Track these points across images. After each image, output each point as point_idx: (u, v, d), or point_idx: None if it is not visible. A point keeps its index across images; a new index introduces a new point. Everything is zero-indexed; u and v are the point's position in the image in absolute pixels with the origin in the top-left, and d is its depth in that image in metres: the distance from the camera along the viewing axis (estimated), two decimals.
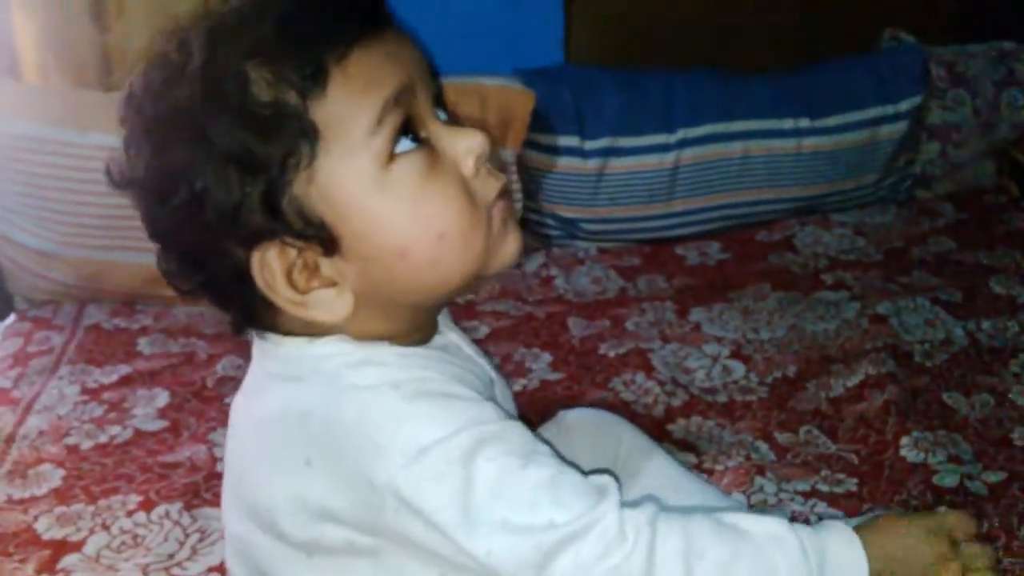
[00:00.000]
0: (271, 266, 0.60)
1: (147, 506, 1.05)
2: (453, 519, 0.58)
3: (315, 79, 0.57)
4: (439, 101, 0.64)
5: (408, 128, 0.60)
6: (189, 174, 0.58)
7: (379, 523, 0.60)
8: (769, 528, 0.61)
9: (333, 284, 0.62)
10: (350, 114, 0.58)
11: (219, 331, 1.43)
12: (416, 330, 0.67)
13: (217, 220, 0.58)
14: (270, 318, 0.64)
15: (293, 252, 0.60)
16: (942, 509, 0.68)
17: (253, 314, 0.65)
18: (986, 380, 1.24)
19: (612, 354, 1.35)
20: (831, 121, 1.69)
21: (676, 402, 1.23)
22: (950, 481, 1.04)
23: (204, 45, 0.59)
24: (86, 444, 1.16)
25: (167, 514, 1.04)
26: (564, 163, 1.62)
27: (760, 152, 1.66)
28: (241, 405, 0.70)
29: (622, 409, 1.21)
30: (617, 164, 1.64)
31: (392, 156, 0.59)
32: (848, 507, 1.02)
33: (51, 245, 1.45)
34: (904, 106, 1.73)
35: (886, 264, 1.57)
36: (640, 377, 1.29)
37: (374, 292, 0.62)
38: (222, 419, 1.20)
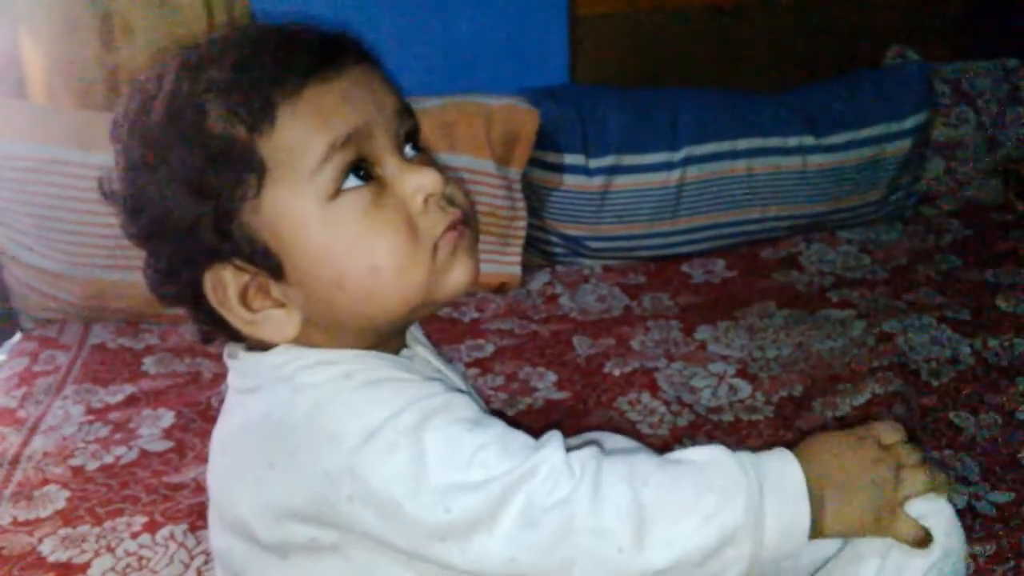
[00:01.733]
0: (225, 285, 0.64)
1: (152, 528, 1.05)
2: (407, 489, 0.60)
3: (263, 115, 0.60)
4: (411, 137, 0.67)
5: (361, 166, 0.63)
6: (152, 194, 0.62)
7: (336, 517, 0.62)
8: (708, 454, 0.63)
9: (282, 305, 0.65)
10: (297, 150, 0.61)
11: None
12: (376, 347, 0.69)
13: (175, 238, 0.63)
14: (235, 332, 0.67)
15: (246, 275, 0.64)
16: (875, 423, 0.68)
17: (220, 329, 0.68)
18: (993, 399, 1.23)
19: (617, 373, 1.35)
20: (836, 139, 1.69)
21: (682, 422, 1.23)
22: (958, 502, 1.04)
23: (173, 78, 0.63)
24: (91, 465, 1.16)
25: (172, 536, 1.03)
26: (569, 181, 1.63)
27: (765, 170, 1.66)
28: (217, 427, 0.72)
29: (628, 429, 1.20)
30: (622, 182, 1.64)
31: (337, 192, 0.62)
32: None
33: (57, 265, 1.46)
34: (909, 123, 1.73)
35: (892, 282, 1.57)
36: (646, 396, 1.28)
37: (319, 316, 0.65)
38: None
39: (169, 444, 1.20)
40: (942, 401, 1.23)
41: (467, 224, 0.67)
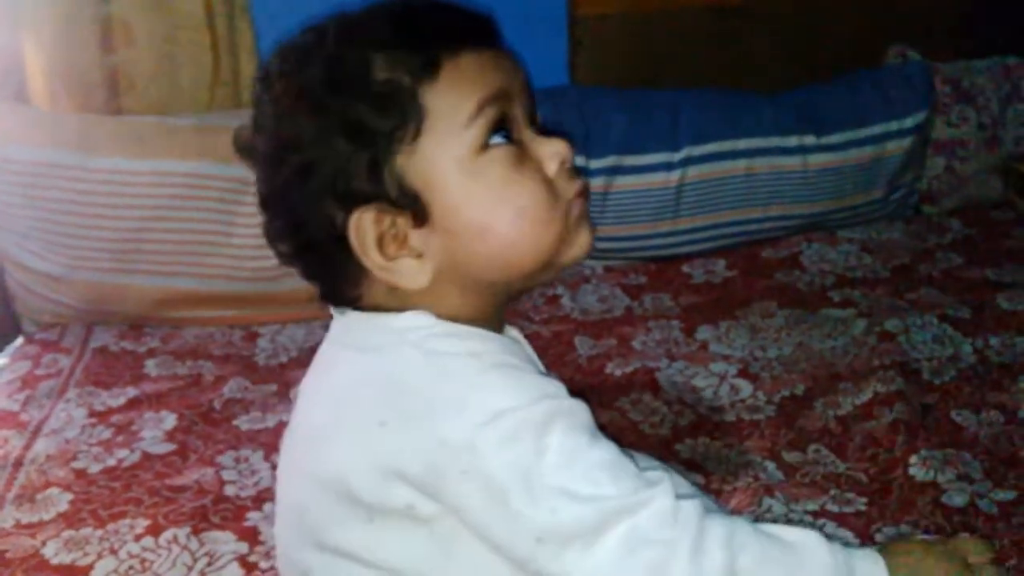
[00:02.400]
0: (365, 229, 0.66)
1: (155, 530, 1.05)
2: (519, 481, 0.61)
3: (428, 68, 0.65)
4: (533, 119, 0.71)
5: (502, 126, 0.68)
6: (305, 141, 0.66)
7: (442, 488, 0.63)
8: (804, 537, 0.65)
9: (418, 256, 0.68)
10: (454, 103, 0.66)
11: (226, 353, 1.44)
12: (487, 320, 0.71)
13: (324, 183, 0.66)
14: (354, 289, 0.70)
15: (387, 220, 0.67)
16: (963, 535, 0.73)
17: (340, 284, 0.70)
18: (995, 397, 1.23)
19: (619, 373, 1.35)
20: (836, 138, 1.69)
21: (683, 422, 1.23)
22: (959, 500, 1.04)
23: (336, 34, 0.67)
24: (94, 468, 1.17)
25: (175, 538, 1.04)
26: None
27: (765, 169, 1.66)
28: (312, 382, 0.74)
29: (630, 429, 1.21)
30: (622, 182, 1.64)
31: (485, 146, 0.67)
32: (857, 527, 1.01)
33: (59, 268, 1.46)
34: (909, 122, 1.73)
35: (893, 281, 1.57)
36: (647, 396, 1.28)
37: (453, 267, 0.68)
38: (230, 442, 1.21)
39: (171, 447, 1.21)
40: (944, 400, 1.23)
41: (587, 197, 0.72)
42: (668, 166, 1.64)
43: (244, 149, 0.71)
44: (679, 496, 0.63)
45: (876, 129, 1.71)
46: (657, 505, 0.62)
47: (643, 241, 1.67)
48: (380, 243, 0.67)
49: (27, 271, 1.48)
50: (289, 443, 0.75)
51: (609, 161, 1.63)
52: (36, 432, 1.24)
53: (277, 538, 0.77)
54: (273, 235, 0.72)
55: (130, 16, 1.56)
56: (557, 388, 0.65)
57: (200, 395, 1.32)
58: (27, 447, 1.21)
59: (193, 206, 1.45)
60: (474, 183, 0.67)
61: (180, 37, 1.58)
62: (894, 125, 1.72)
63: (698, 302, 1.55)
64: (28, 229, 1.45)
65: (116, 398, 1.32)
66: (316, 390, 0.73)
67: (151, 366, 1.40)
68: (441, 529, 0.65)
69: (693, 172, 1.64)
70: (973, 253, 1.64)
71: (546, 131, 0.71)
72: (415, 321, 0.68)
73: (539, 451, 0.61)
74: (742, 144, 1.65)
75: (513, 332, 0.76)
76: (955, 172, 1.78)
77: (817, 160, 1.68)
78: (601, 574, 0.61)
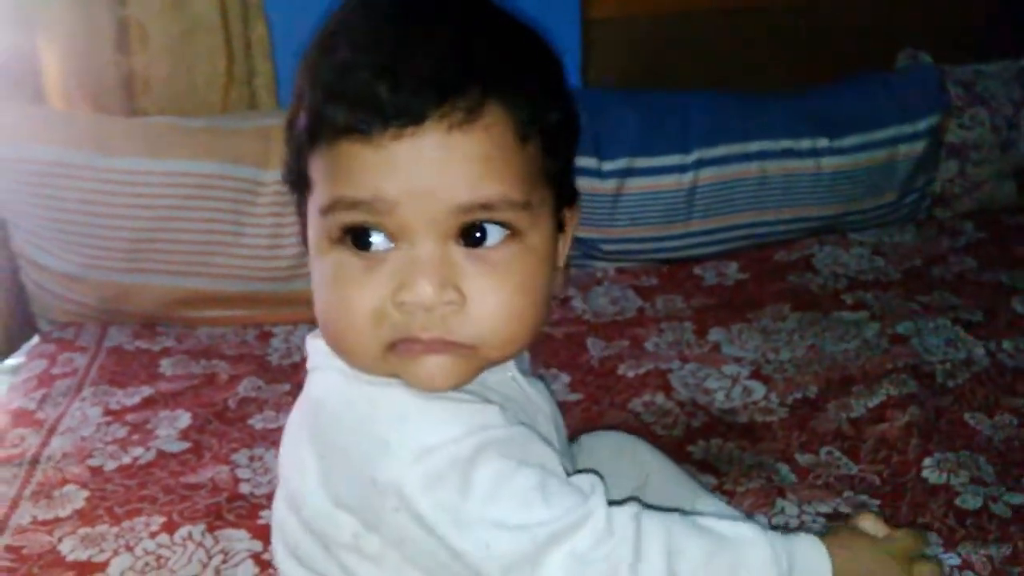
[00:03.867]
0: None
1: (170, 527, 1.06)
2: (450, 520, 0.60)
3: (310, 140, 0.62)
4: (472, 228, 0.61)
5: (364, 233, 0.61)
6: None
7: (380, 521, 0.62)
8: (743, 531, 0.65)
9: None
10: (318, 186, 0.63)
11: (241, 352, 1.44)
12: None
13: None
14: None
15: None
16: (901, 531, 0.72)
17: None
18: (1008, 400, 1.23)
19: (631, 375, 1.35)
20: (849, 141, 1.69)
21: (696, 423, 1.23)
22: (973, 503, 1.04)
23: (321, 47, 0.64)
24: (109, 465, 1.17)
25: (190, 536, 1.04)
26: (582, 183, 1.60)
27: (778, 172, 1.66)
28: (295, 406, 0.73)
29: (641, 430, 1.21)
30: (635, 184, 1.64)
31: (339, 241, 0.62)
32: None
33: (75, 268, 1.47)
34: (922, 125, 1.73)
35: (906, 283, 1.57)
36: (660, 398, 1.29)
37: None
38: (244, 440, 1.22)
39: (186, 445, 1.21)
40: (957, 403, 1.23)
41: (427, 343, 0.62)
42: (680, 168, 1.64)
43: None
44: (611, 501, 0.63)
45: (889, 132, 1.71)
46: (592, 522, 0.61)
47: (655, 243, 1.67)
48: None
49: (43, 270, 1.49)
50: (279, 457, 0.74)
51: (621, 163, 1.63)
52: (52, 430, 1.25)
53: (273, 549, 0.76)
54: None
55: (145, 18, 1.57)
56: (489, 418, 0.63)
57: (214, 394, 1.33)
58: (43, 445, 1.22)
59: (207, 206, 1.46)
60: (315, 264, 0.64)
61: (195, 38, 1.59)
62: (907, 128, 1.72)
63: (710, 304, 1.55)
64: (44, 229, 1.46)
65: (131, 397, 1.33)
66: (294, 411, 0.71)
67: (166, 365, 1.41)
68: (388, 563, 0.64)
69: (705, 174, 1.65)
70: (986, 257, 1.64)
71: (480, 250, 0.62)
72: None
73: (465, 487, 0.60)
74: (754, 147, 1.66)
75: (506, 365, 0.70)
76: (968, 175, 1.78)
77: (830, 163, 1.68)
78: None
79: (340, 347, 0.64)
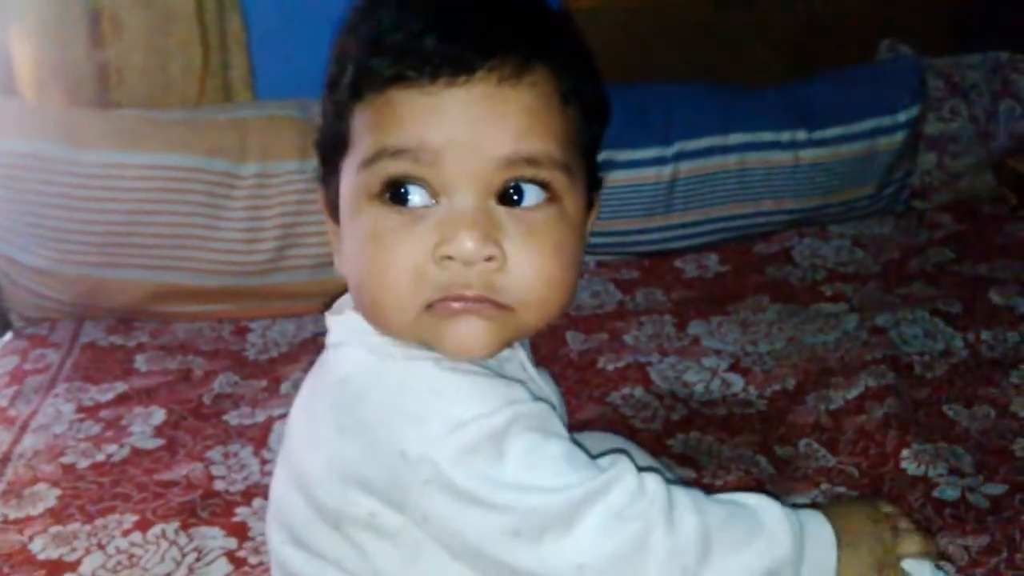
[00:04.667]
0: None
1: (143, 526, 1.04)
2: (485, 487, 0.60)
3: (355, 93, 0.63)
4: (501, 189, 0.62)
5: (403, 185, 0.62)
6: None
7: (406, 498, 0.62)
8: (757, 499, 0.67)
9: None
10: (360, 138, 0.63)
11: (216, 348, 1.43)
12: None
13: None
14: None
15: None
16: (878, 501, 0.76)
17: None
18: (987, 391, 1.23)
19: (611, 368, 1.34)
20: (828, 133, 1.69)
21: (675, 416, 1.22)
22: (951, 494, 1.04)
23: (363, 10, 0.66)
24: (82, 463, 1.16)
25: (163, 534, 1.03)
26: None
27: (757, 164, 1.66)
28: (305, 382, 0.72)
29: (621, 423, 1.20)
30: (615, 177, 1.63)
31: (379, 196, 0.62)
32: None
33: (48, 263, 1.45)
34: (902, 117, 1.73)
35: (885, 275, 1.57)
36: (639, 391, 1.28)
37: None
38: (218, 437, 1.20)
39: (160, 442, 1.20)
40: (935, 394, 1.23)
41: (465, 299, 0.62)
42: (660, 161, 1.64)
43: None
44: (640, 470, 0.64)
45: (868, 124, 1.71)
46: (624, 483, 0.62)
47: (635, 236, 1.67)
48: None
49: (15, 265, 1.46)
50: (284, 437, 0.74)
51: (601, 156, 1.62)
52: (24, 427, 1.24)
53: (268, 531, 0.76)
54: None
55: (119, 10, 1.55)
56: (518, 393, 0.64)
57: (190, 390, 1.31)
58: (15, 442, 1.20)
59: (182, 200, 1.44)
60: (351, 225, 0.65)
61: (170, 30, 1.57)
62: (886, 120, 1.72)
63: (690, 297, 1.54)
64: (15, 223, 1.44)
65: (105, 393, 1.31)
66: (306, 388, 0.72)
67: (140, 361, 1.39)
68: (406, 540, 0.64)
69: (685, 167, 1.64)
70: (965, 248, 1.64)
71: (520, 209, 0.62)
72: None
73: (499, 456, 0.60)
74: (734, 139, 1.65)
75: (514, 349, 0.71)
76: (947, 167, 1.78)
77: (809, 155, 1.68)
78: (583, 557, 0.60)
79: (376, 308, 0.64)
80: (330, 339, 0.70)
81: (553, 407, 0.68)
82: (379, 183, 0.62)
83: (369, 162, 0.62)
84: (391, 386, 0.63)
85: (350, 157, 0.64)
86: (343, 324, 0.68)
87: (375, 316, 0.65)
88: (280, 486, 0.71)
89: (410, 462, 0.60)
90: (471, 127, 0.60)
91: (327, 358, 0.69)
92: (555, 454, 0.62)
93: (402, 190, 0.62)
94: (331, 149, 0.67)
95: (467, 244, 0.60)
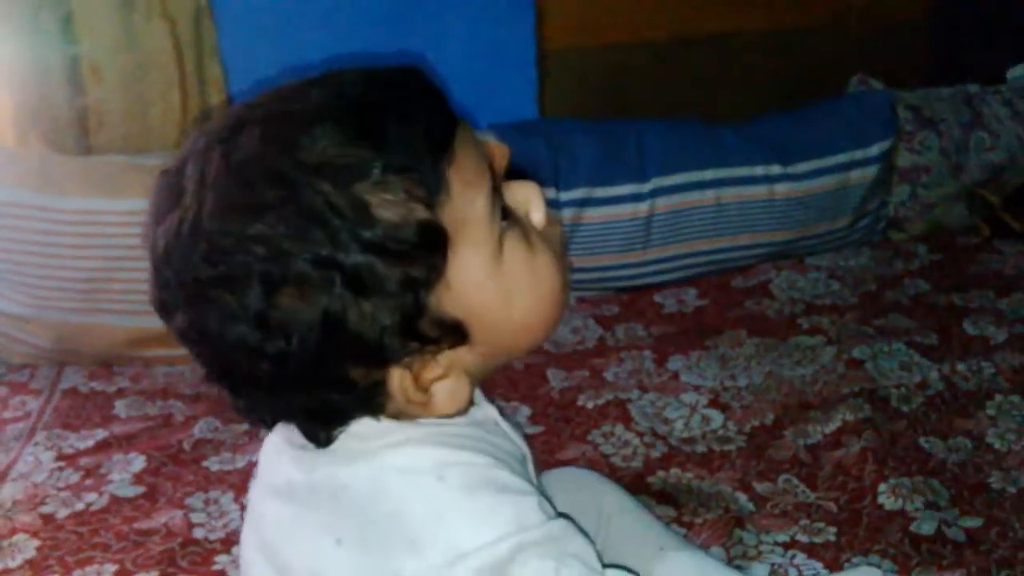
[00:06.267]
0: (406, 383, 0.59)
1: None
2: None
3: (440, 188, 0.56)
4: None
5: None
6: (311, 315, 0.54)
7: None
8: None
9: (448, 371, 0.60)
10: (467, 212, 0.57)
11: (197, 392, 1.43)
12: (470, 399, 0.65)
13: (350, 353, 0.56)
14: (355, 418, 0.61)
15: (416, 360, 0.59)
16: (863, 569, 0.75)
17: (346, 423, 0.61)
18: (962, 423, 1.24)
19: (591, 405, 1.35)
20: (802, 167, 1.71)
21: (655, 454, 1.23)
22: (927, 528, 1.04)
23: (302, 171, 0.53)
24: (62, 512, 1.15)
25: None
26: None
27: (733, 199, 1.68)
28: (274, 462, 0.66)
29: (601, 463, 1.21)
30: (592, 214, 1.65)
31: (501, 237, 0.60)
32: (827, 557, 1.01)
33: (28, 309, 1.45)
34: (875, 150, 1.76)
35: (861, 307, 1.59)
36: (619, 429, 1.29)
37: (483, 367, 0.63)
38: (198, 483, 1.20)
39: (140, 489, 1.19)
40: (912, 427, 1.24)
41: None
42: (637, 197, 1.65)
43: (192, 338, 0.58)
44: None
45: (841, 157, 1.74)
46: None
47: (614, 271, 1.68)
48: (417, 382, 0.59)
49: None
50: (252, 518, 0.69)
51: (579, 193, 1.64)
52: (4, 477, 1.23)
53: None
54: (246, 409, 0.61)
55: (98, 55, 1.57)
56: (526, 513, 0.59)
57: (170, 435, 1.31)
58: None
59: None
60: (507, 285, 0.60)
61: (149, 75, 1.59)
62: (859, 153, 1.74)
63: (670, 332, 1.55)
64: None
65: (85, 440, 1.31)
66: (281, 478, 0.65)
67: (120, 407, 1.39)
68: None
69: (662, 203, 1.66)
70: (940, 279, 1.66)
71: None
72: (369, 428, 0.60)
73: None
74: (709, 174, 1.67)
75: (484, 411, 0.66)
76: (920, 198, 1.81)
77: (783, 189, 1.70)
78: None
79: (559, 321, 0.64)
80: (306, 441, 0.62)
81: (526, 457, 0.68)
82: (500, 213, 0.60)
83: (491, 199, 0.58)
84: (392, 507, 0.59)
85: (466, 234, 0.57)
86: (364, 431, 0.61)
87: (552, 329, 0.64)
88: (256, 571, 0.67)
89: None
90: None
91: (304, 459, 0.63)
92: None
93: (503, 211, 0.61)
94: (420, 288, 0.56)
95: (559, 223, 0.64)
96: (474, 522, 0.58)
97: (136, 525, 1.12)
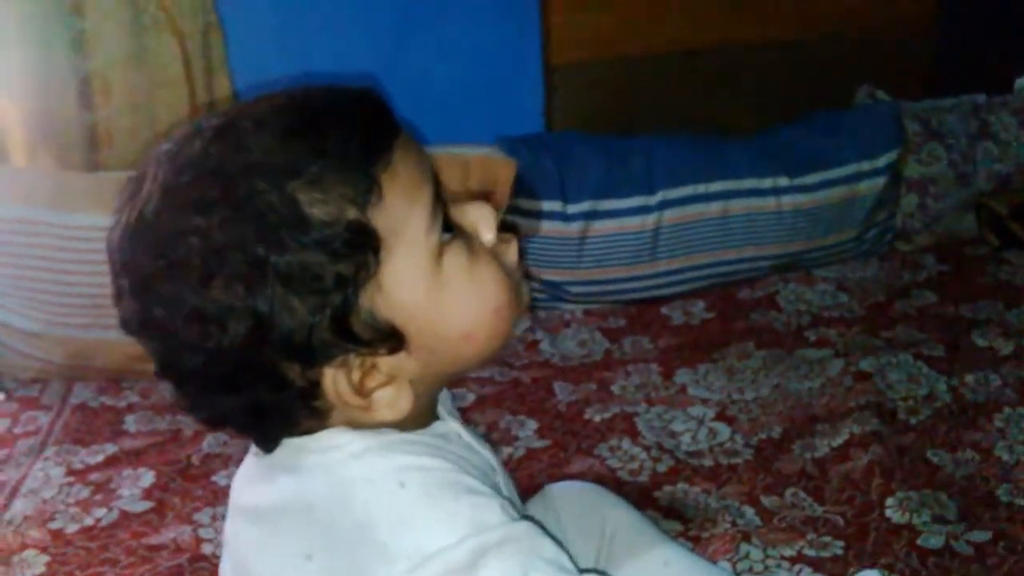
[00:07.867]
0: (340, 385, 0.59)
1: None
2: None
3: (369, 189, 0.57)
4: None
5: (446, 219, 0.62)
6: (242, 308, 0.55)
7: None
8: None
9: (390, 379, 0.61)
10: (406, 216, 0.59)
11: None
12: (420, 415, 0.66)
13: (282, 349, 0.57)
14: (303, 428, 0.62)
15: (356, 360, 0.60)
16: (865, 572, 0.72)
17: (286, 430, 0.63)
18: (970, 436, 1.24)
19: (598, 419, 1.35)
20: (810, 179, 1.71)
21: (662, 468, 1.23)
22: (935, 542, 1.04)
23: (238, 169, 0.56)
24: (71, 528, 1.16)
25: None
26: (547, 227, 1.64)
27: (740, 211, 1.68)
28: (243, 487, 0.68)
29: (608, 477, 1.21)
30: (599, 227, 1.66)
31: (441, 250, 0.61)
32: (834, 572, 1.01)
33: (38, 325, 1.46)
34: (882, 161, 1.76)
35: (869, 319, 1.58)
36: (626, 443, 1.29)
37: (423, 377, 0.63)
38: (207, 498, 1.21)
39: (149, 504, 1.20)
40: (920, 440, 1.24)
41: (521, 252, 0.68)
42: (645, 210, 1.66)
43: (136, 329, 0.59)
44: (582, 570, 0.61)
45: (849, 169, 1.74)
46: None
47: (621, 284, 1.68)
48: (358, 388, 0.60)
49: (6, 328, 1.47)
50: (227, 543, 0.70)
51: (586, 206, 1.65)
52: (14, 492, 1.24)
53: None
54: (192, 407, 0.61)
55: (109, 72, 1.58)
56: (487, 515, 0.59)
57: (179, 450, 1.32)
58: (4, 508, 1.20)
59: None
60: (445, 293, 0.61)
61: (158, 92, 1.60)
62: (866, 165, 1.74)
63: (676, 344, 1.55)
64: (6, 286, 1.45)
65: (95, 455, 1.31)
66: (247, 498, 0.67)
67: (130, 422, 1.40)
68: None
69: (669, 215, 1.66)
70: (947, 290, 1.66)
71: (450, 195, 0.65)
72: (331, 440, 0.61)
73: None
74: (716, 186, 1.68)
75: (447, 424, 0.68)
76: (928, 209, 1.81)
77: (791, 201, 1.70)
78: None
79: (506, 332, 0.65)
80: (276, 459, 0.63)
81: (494, 469, 0.68)
82: (441, 224, 0.61)
83: (434, 209, 0.60)
84: (358, 517, 0.59)
85: (402, 240, 0.59)
86: (295, 445, 0.62)
87: (502, 343, 0.65)
88: None
89: None
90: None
91: (269, 478, 0.64)
92: None
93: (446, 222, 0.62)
94: (348, 286, 0.57)
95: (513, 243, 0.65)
96: (435, 526, 0.58)
97: (145, 540, 1.13)
